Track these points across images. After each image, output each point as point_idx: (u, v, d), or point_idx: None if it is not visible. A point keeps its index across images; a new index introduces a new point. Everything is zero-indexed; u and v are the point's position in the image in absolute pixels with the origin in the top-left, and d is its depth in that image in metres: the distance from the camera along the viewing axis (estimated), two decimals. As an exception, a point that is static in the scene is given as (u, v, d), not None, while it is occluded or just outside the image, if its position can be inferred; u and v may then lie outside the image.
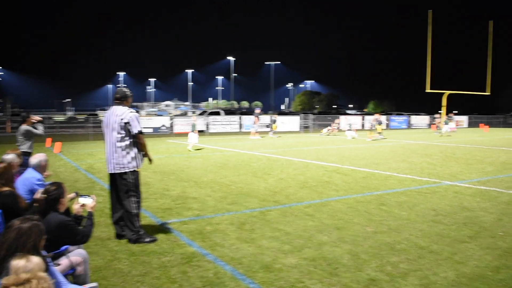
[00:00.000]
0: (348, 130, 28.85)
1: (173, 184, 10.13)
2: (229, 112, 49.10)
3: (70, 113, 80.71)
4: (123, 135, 5.82)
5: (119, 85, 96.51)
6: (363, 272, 4.72)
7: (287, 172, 12.07)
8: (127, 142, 5.85)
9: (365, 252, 5.35)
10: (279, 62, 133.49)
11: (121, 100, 5.97)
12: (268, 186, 9.82)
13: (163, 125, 30.97)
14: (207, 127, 32.65)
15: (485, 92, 52.26)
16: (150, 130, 29.72)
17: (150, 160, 6.27)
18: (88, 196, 4.39)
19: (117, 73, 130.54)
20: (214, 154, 17.21)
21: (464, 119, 49.53)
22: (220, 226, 6.57)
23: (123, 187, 5.86)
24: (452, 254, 5.28)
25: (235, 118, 34.74)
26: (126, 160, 5.83)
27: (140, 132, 5.90)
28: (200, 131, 32.27)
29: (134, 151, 5.90)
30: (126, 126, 5.80)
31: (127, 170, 5.84)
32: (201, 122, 32.59)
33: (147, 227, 6.36)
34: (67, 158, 15.79)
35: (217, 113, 39.98)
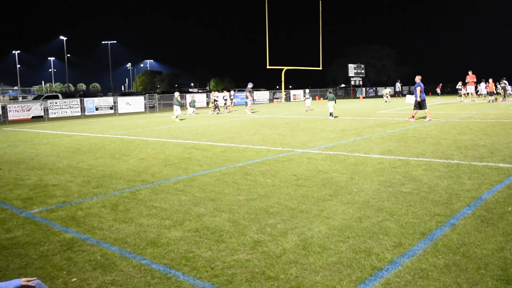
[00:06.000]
0: (190, 107, 30.45)
1: (26, 173, 9.41)
2: (67, 95, 46.31)
3: None
4: None
5: None
6: (247, 235, 5.00)
7: (146, 151, 11.93)
8: None
9: (243, 218, 5.65)
10: (116, 42, 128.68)
11: None
12: (131, 167, 9.65)
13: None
14: (46, 112, 30.49)
15: (319, 67, 56.70)
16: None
17: None
18: None
19: None
20: (61, 139, 16.21)
21: (301, 92, 52.95)
22: (92, 210, 6.35)
23: None
24: (319, 211, 5.83)
25: (76, 101, 32.83)
26: None
27: None
28: (39, 117, 30.08)
29: None
30: None
31: None
32: (38, 107, 30.34)
33: (10, 219, 5.93)
34: None
35: (56, 97, 37.42)
